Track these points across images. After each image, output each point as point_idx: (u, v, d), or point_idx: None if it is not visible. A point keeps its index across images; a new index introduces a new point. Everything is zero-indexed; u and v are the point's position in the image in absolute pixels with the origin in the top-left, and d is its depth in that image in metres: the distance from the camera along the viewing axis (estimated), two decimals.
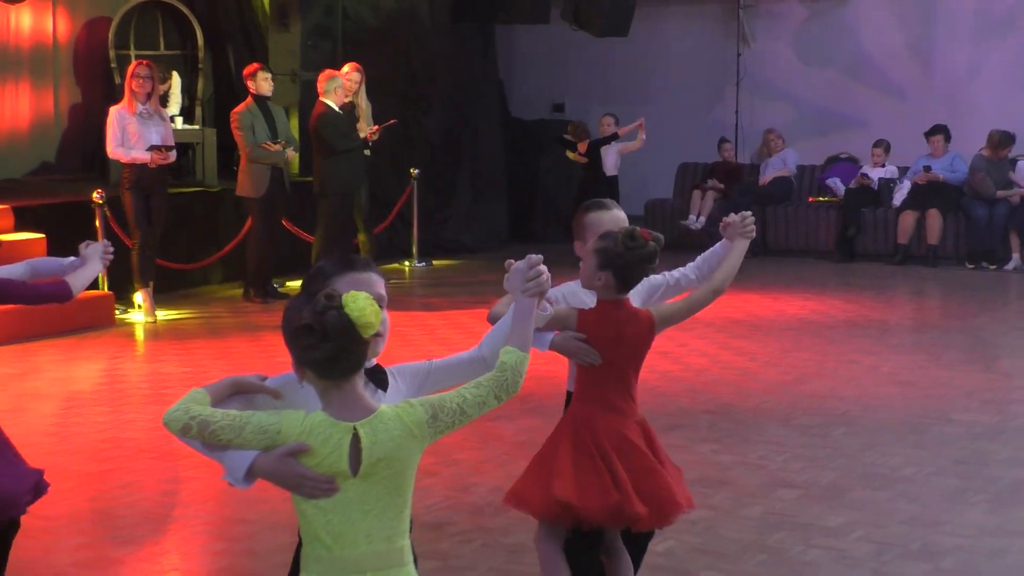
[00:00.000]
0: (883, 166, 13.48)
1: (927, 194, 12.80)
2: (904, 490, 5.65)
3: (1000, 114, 13.15)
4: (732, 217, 4.02)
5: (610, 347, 3.76)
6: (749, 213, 4.06)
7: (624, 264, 3.71)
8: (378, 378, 2.89)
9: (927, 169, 12.90)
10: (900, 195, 13.09)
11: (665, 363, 8.05)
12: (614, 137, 13.08)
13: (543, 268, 2.89)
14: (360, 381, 2.63)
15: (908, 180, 13.01)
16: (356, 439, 2.58)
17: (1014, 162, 12.72)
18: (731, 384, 7.88)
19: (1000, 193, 12.47)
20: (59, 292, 4.31)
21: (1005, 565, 4.80)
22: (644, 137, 12.99)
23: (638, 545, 4.06)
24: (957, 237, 12.79)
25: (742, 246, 4.00)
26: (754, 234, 4.05)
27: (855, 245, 13.24)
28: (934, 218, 12.66)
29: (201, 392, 2.70)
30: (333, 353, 2.54)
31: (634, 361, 3.85)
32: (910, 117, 13.76)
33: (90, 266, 4.45)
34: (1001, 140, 12.61)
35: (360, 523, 2.61)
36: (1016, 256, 12.28)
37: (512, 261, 2.97)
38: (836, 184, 13.76)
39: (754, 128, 14.73)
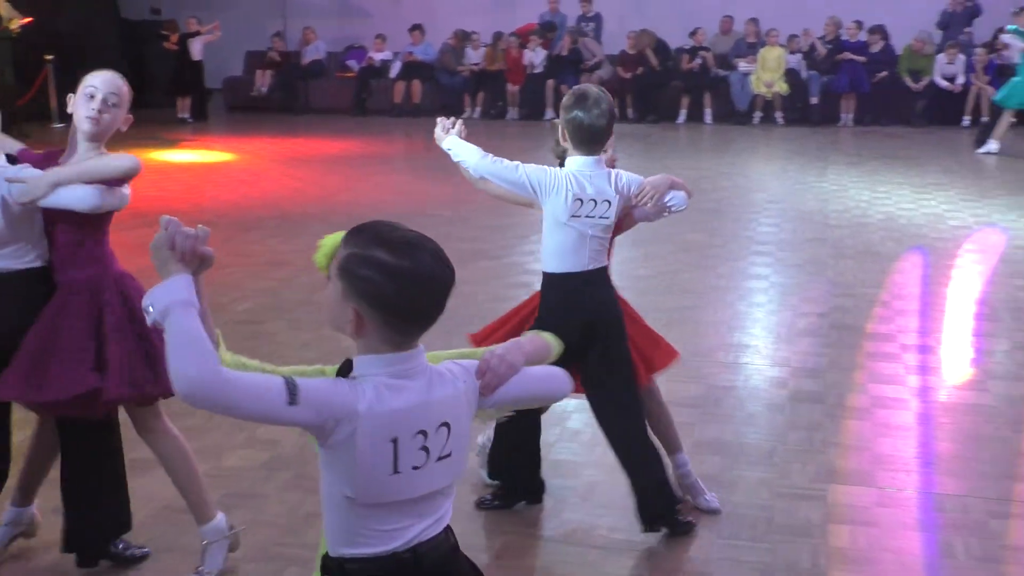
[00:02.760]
0: (382, 51, 17.50)
1: (412, 69, 17.05)
2: None
3: (454, 17, 17.45)
4: None
5: None
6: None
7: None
8: None
9: (410, 54, 17.10)
10: (395, 70, 17.21)
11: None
12: (197, 33, 16.17)
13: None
14: None
15: (399, 61, 17.16)
16: None
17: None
18: (287, 199, 10.11)
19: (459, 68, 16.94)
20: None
21: None
22: (219, 33, 16.20)
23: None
24: (428, 96, 16.72)
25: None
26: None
27: (366, 104, 16.85)
28: (417, 85, 16.95)
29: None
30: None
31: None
32: (400, 17, 17.82)
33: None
34: (459, 35, 17.04)
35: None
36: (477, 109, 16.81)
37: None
38: (354, 64, 17.64)
39: (297, 25, 18.27)
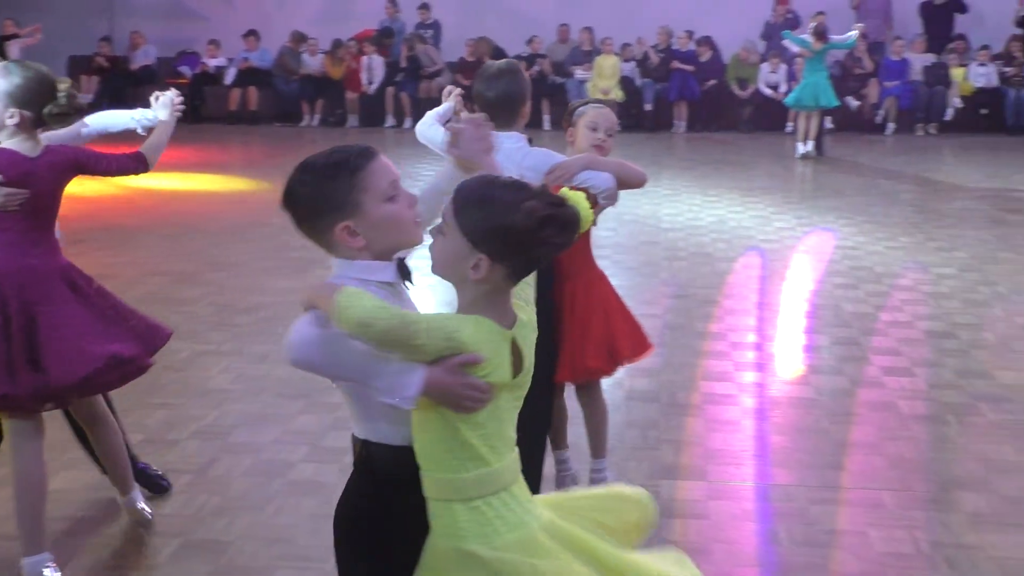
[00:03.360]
0: (216, 57, 17.13)
1: (248, 76, 16.72)
2: None
3: (289, 23, 17.27)
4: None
5: None
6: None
7: None
8: (407, 271, 2.26)
9: (245, 60, 16.80)
10: (230, 77, 16.86)
11: None
12: (15, 36, 15.42)
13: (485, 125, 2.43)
14: None
15: (235, 68, 16.81)
16: (514, 347, 2.08)
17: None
18: (115, 210, 10.36)
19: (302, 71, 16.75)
20: (138, 165, 3.55)
21: None
22: (40, 36, 15.48)
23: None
24: (264, 103, 16.53)
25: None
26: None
27: (201, 112, 16.36)
28: (253, 92, 16.64)
29: (357, 290, 2.02)
30: (556, 245, 2.04)
31: None
32: (234, 22, 17.47)
33: (163, 126, 3.72)
34: (295, 36, 16.82)
35: (507, 430, 2.11)
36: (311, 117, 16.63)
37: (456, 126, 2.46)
38: (186, 70, 17.19)
39: (125, 28, 17.67)
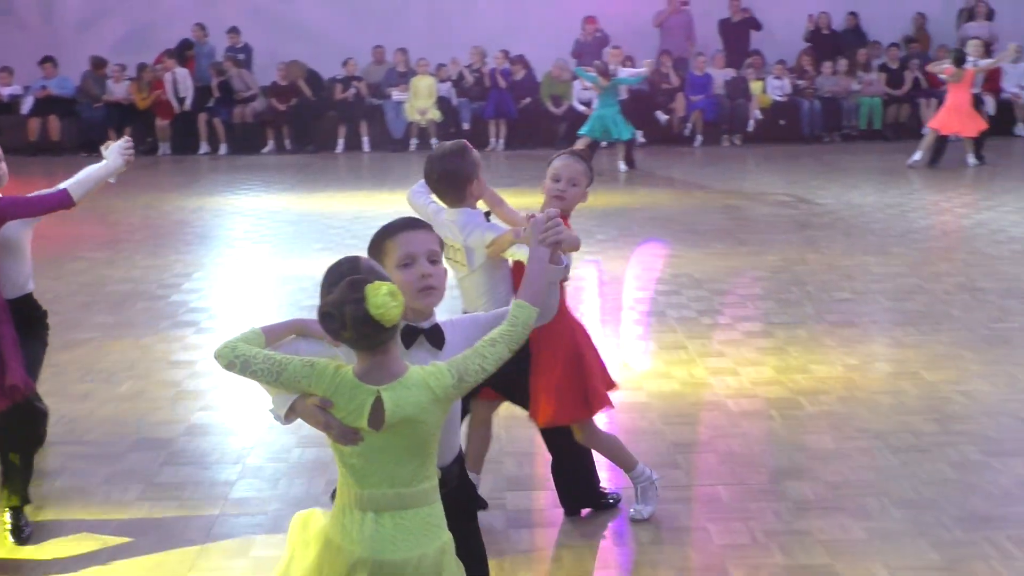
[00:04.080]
0: (9, 85, 16.31)
1: (47, 104, 15.99)
2: None
3: (87, 49, 16.65)
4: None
5: None
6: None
7: None
8: (435, 338, 2.57)
9: (44, 88, 16.04)
10: (27, 106, 16.08)
11: None
12: None
13: (560, 221, 2.60)
14: (393, 347, 2.38)
15: (32, 96, 16.03)
16: (380, 399, 2.35)
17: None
18: None
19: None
20: (62, 201, 3.81)
21: None
22: None
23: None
24: (67, 133, 15.83)
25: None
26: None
27: None
28: (53, 121, 15.93)
29: (256, 332, 2.47)
30: (355, 338, 2.31)
31: None
32: (25, 48, 16.62)
33: (105, 165, 4.00)
34: (95, 61, 16.20)
35: (383, 468, 2.39)
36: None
37: (533, 215, 2.70)
38: None
39: None
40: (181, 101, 15.97)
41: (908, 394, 5.36)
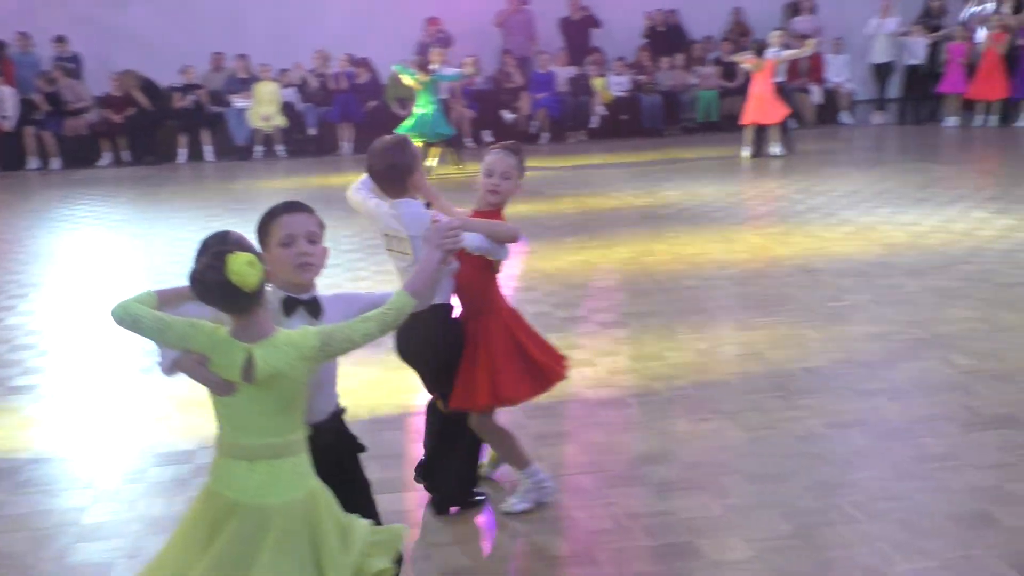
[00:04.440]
0: None
1: None
2: None
3: None
4: None
5: None
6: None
7: None
8: (313, 308, 2.87)
9: None
10: None
11: None
12: None
13: (459, 232, 2.97)
14: (260, 311, 2.63)
15: None
16: (252, 356, 2.59)
17: None
18: None
19: None
20: None
21: None
22: None
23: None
24: None
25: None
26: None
27: None
28: None
29: (150, 294, 2.71)
30: (220, 301, 2.58)
31: None
32: None
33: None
34: None
35: (255, 420, 2.64)
36: None
37: (439, 219, 3.11)
38: None
39: None
40: (2, 119, 15.27)
41: (755, 374, 5.60)
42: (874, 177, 11.90)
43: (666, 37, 17.64)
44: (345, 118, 16.09)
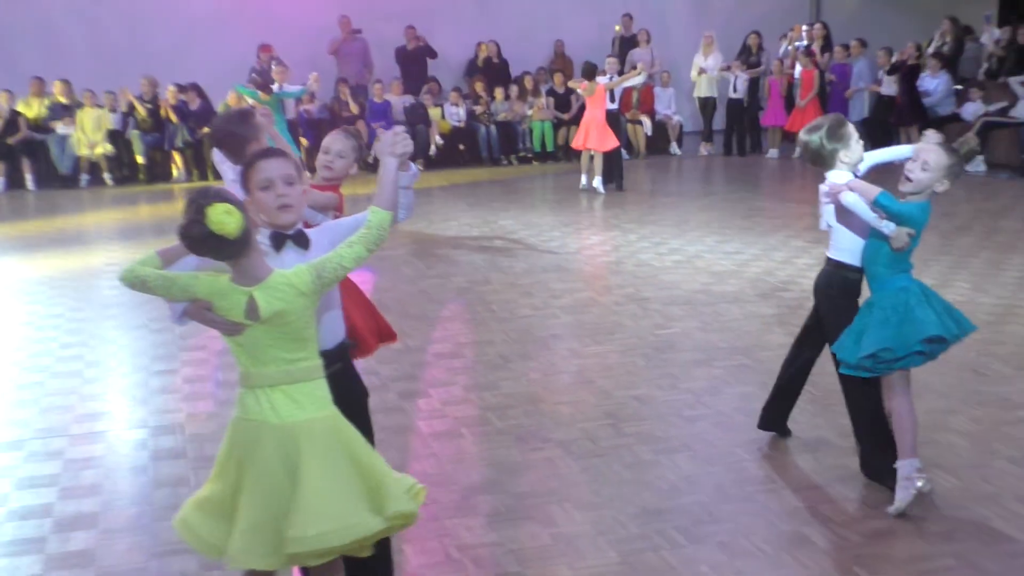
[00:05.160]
0: None
1: None
2: None
3: None
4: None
5: None
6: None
7: None
8: (301, 240, 3.10)
9: None
10: None
11: None
12: None
13: (407, 135, 3.22)
14: (254, 254, 2.86)
15: None
16: (254, 298, 2.85)
17: None
18: None
19: None
20: None
21: None
22: None
23: None
24: None
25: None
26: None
27: None
28: None
29: (152, 255, 2.96)
30: (208, 251, 2.80)
31: None
32: None
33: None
34: None
35: (268, 351, 2.90)
36: None
37: (384, 131, 3.26)
38: None
39: None
40: None
41: (587, 402, 5.71)
42: (701, 207, 12.35)
43: (499, 69, 17.90)
44: (179, 145, 15.65)
